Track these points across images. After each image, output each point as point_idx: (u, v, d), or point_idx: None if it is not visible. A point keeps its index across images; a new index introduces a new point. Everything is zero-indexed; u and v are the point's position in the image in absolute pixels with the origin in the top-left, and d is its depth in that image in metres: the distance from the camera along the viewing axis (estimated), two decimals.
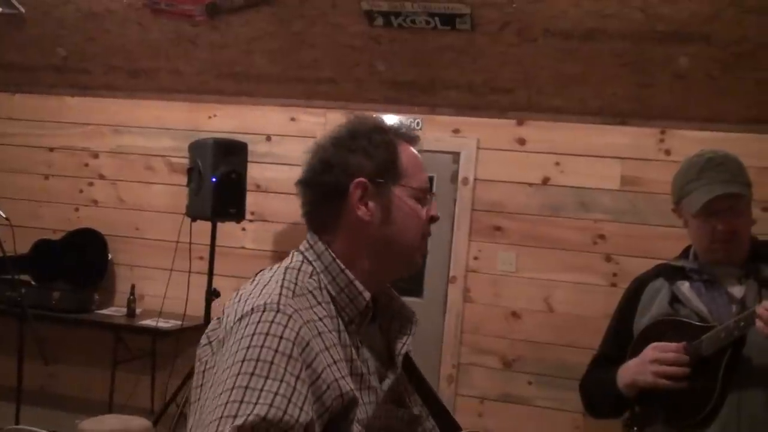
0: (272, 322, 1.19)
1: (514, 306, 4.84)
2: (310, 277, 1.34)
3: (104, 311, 5.22)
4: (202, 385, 1.25)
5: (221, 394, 1.13)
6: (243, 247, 5.25)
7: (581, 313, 4.66)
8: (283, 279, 1.30)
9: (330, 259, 1.36)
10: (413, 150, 1.46)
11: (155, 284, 5.18)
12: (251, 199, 4.83)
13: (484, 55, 4.45)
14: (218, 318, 1.33)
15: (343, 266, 1.35)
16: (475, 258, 4.91)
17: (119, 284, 5.52)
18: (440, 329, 4.95)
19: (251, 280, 1.37)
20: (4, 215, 4.10)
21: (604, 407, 2.24)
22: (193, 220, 4.58)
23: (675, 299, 2.08)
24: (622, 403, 2.13)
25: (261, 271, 1.42)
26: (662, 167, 4.57)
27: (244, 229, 5.14)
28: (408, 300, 5.08)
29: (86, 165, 5.67)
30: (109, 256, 5.47)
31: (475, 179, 4.91)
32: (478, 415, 4.85)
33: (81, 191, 5.67)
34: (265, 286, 1.29)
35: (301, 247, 1.41)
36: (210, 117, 5.41)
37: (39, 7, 4.88)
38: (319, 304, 1.30)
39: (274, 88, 5.15)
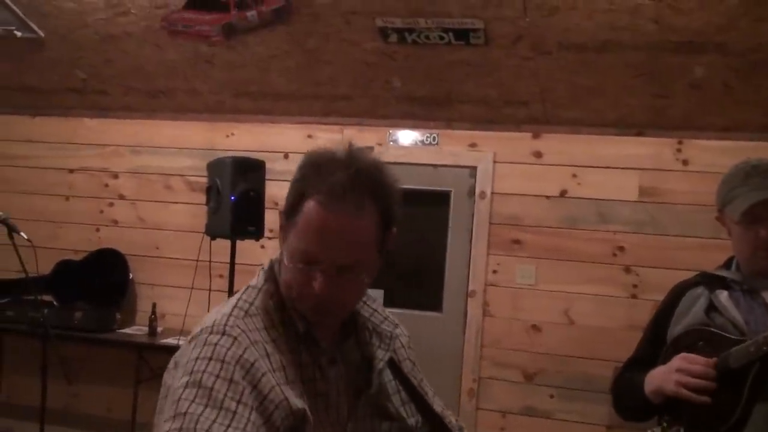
0: (216, 344, 1.19)
1: (534, 319, 4.83)
2: (270, 298, 1.33)
3: (126, 330, 5.26)
4: (160, 411, 1.25)
5: (165, 422, 1.14)
6: (263, 265, 5.26)
7: (602, 325, 4.64)
8: (238, 299, 1.31)
9: (279, 282, 1.36)
10: (316, 213, 1.26)
11: (176, 303, 5.20)
12: (270, 217, 4.85)
13: (499, 69, 4.46)
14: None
15: (286, 293, 1.33)
16: (494, 271, 4.90)
17: (140, 303, 5.56)
18: (460, 343, 4.94)
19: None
20: (26, 236, 4.14)
21: (632, 410, 2.23)
22: (213, 238, 4.60)
23: (712, 308, 2.05)
24: (648, 408, 2.12)
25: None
26: (680, 177, 4.56)
27: (263, 246, 5.15)
28: (427, 315, 5.05)
29: (106, 186, 5.73)
30: (130, 275, 5.51)
31: (493, 193, 4.92)
32: (500, 429, 4.83)
33: (101, 212, 5.73)
34: (222, 307, 1.30)
35: (265, 264, 1.42)
36: (228, 136, 5.45)
37: (57, 31, 4.94)
38: (274, 326, 1.29)
39: (291, 106, 5.19)
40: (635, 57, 4.16)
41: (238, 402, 1.14)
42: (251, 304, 1.30)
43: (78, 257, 5.60)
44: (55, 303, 5.37)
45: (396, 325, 1.49)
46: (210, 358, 1.17)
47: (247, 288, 1.35)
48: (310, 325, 1.32)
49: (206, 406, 1.12)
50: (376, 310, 1.46)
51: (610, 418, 4.49)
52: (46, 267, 5.31)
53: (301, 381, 1.27)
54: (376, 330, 1.44)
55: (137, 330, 5.29)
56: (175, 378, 1.21)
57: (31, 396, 4.34)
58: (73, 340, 5.00)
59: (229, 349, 1.19)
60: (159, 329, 5.19)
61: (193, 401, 1.13)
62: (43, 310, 4.37)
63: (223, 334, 1.21)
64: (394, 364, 1.46)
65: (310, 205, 1.27)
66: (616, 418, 2.30)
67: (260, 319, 1.28)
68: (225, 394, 1.14)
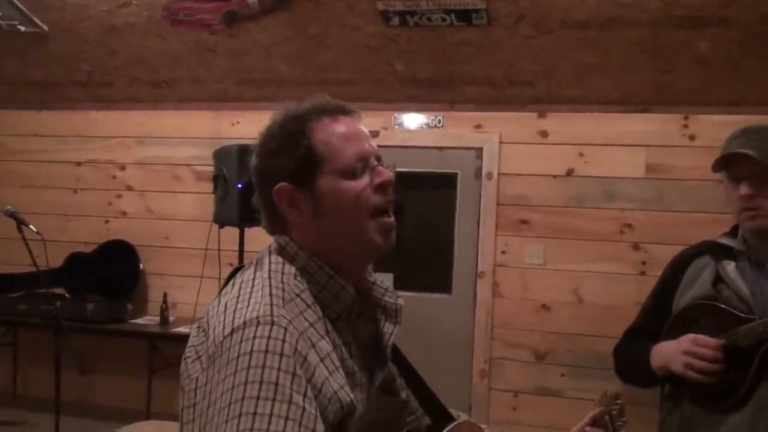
0: (269, 337, 1.11)
1: (543, 299, 4.84)
2: (295, 278, 1.26)
3: (138, 320, 5.31)
4: (195, 404, 1.17)
5: (228, 421, 1.06)
6: (265, 251, 5.27)
7: (611, 303, 4.65)
8: (271, 285, 1.22)
9: (305, 257, 1.29)
10: (335, 125, 1.30)
11: (187, 292, 5.24)
12: None
13: (502, 48, 4.45)
14: (199, 326, 1.26)
15: (320, 263, 1.28)
16: (503, 252, 4.91)
17: (151, 293, 5.59)
18: (470, 325, 4.96)
19: (231, 283, 1.30)
20: (35, 229, 4.17)
21: (636, 379, 2.24)
22: (221, 226, 4.61)
23: (719, 279, 2.06)
24: (653, 379, 2.13)
25: (236, 269, 1.38)
26: (687, 153, 4.55)
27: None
28: (437, 297, 5.08)
29: (114, 177, 5.75)
30: (140, 266, 5.54)
31: (499, 174, 4.91)
32: (512, 409, 4.85)
33: (110, 203, 5.75)
34: (251, 292, 1.21)
35: (272, 248, 1.34)
36: (233, 124, 5.46)
37: (60, 24, 4.95)
38: (308, 307, 1.22)
39: (295, 92, 5.13)
40: (639, 33, 4.15)
41: (304, 396, 1.09)
42: (283, 289, 1.22)
43: (88, 249, 5.63)
44: (67, 295, 5.42)
45: (398, 296, 1.43)
46: (266, 351, 1.10)
47: (270, 272, 1.26)
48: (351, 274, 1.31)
49: (274, 401, 1.06)
50: (375, 283, 1.41)
51: (622, 395, 4.50)
52: (56, 260, 5.35)
53: (339, 364, 1.22)
54: (379, 304, 1.39)
55: (149, 320, 5.33)
56: (216, 372, 1.13)
57: (46, 388, 4.38)
58: (85, 332, 5.04)
59: (283, 341, 1.11)
60: (171, 318, 5.22)
61: (258, 398, 1.06)
62: (55, 302, 4.40)
63: (273, 324, 1.13)
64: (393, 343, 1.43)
65: (325, 128, 1.30)
66: (629, 394, 2.31)
67: (295, 305, 1.21)
68: (291, 388, 1.08)
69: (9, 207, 4.23)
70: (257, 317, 1.14)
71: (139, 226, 5.64)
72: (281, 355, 1.10)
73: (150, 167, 5.66)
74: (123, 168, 5.73)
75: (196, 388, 1.17)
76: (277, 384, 1.07)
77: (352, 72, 4.90)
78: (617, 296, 4.64)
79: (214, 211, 4.63)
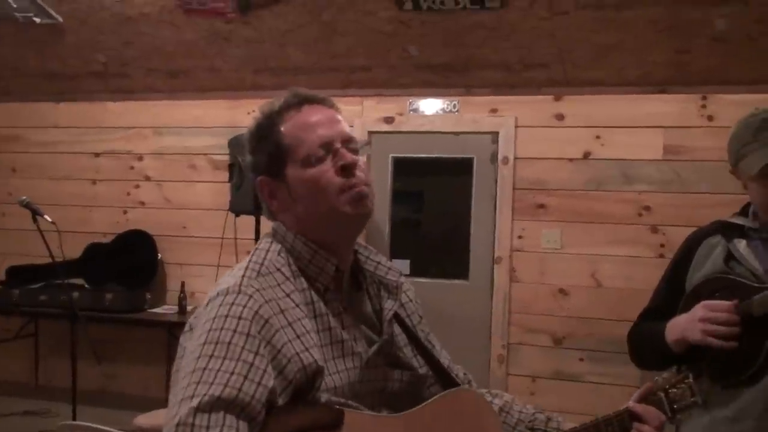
0: (233, 303, 1.24)
1: (561, 283, 4.81)
2: (278, 254, 1.38)
3: (157, 310, 5.35)
4: (179, 370, 1.29)
5: (184, 377, 1.19)
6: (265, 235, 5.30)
7: (630, 287, 4.61)
8: (249, 261, 1.36)
9: (292, 237, 1.40)
10: (300, 115, 1.40)
11: (204, 281, 5.26)
12: None
13: (517, 31, 4.41)
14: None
15: (305, 240, 1.39)
16: (520, 237, 4.88)
17: (170, 282, 5.62)
18: (488, 310, 4.94)
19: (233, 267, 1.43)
20: (50, 219, 4.20)
21: (651, 360, 2.21)
22: (237, 215, 4.63)
23: (731, 257, 2.03)
24: (668, 357, 2.11)
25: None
26: (706, 134, 4.50)
27: None
28: (454, 283, 5.05)
29: (131, 168, 5.78)
30: (159, 255, 5.57)
31: (515, 158, 4.88)
32: (531, 394, 4.83)
33: (128, 194, 5.78)
34: (235, 271, 1.35)
35: (268, 233, 1.47)
36: (249, 113, 5.45)
37: (76, 15, 4.97)
38: (287, 279, 1.34)
39: (310, 80, 5.17)
40: (655, 12, 4.10)
41: (255, 353, 1.19)
42: (262, 264, 1.34)
43: (107, 240, 5.67)
44: (86, 286, 5.46)
45: (400, 274, 1.52)
46: (227, 316, 1.22)
47: (254, 251, 1.39)
48: (337, 250, 1.40)
49: (224, 359, 1.18)
50: (379, 263, 1.50)
51: (641, 380, 4.47)
52: (76, 251, 5.39)
53: (318, 331, 1.32)
54: (382, 282, 1.49)
55: (167, 309, 5.37)
56: (192, 339, 1.26)
57: (67, 378, 4.41)
58: (105, 322, 5.09)
59: (244, 306, 1.23)
60: (189, 307, 5.25)
61: (211, 356, 1.18)
62: (70, 292, 4.43)
63: (239, 293, 1.25)
64: (402, 319, 1.50)
65: (290, 120, 1.39)
66: (648, 379, 2.28)
67: (273, 278, 1.32)
68: (242, 347, 1.19)
69: (25, 197, 4.27)
70: (227, 288, 1.27)
71: (157, 216, 5.67)
72: (239, 318, 1.22)
73: (167, 157, 5.69)
74: (140, 158, 5.76)
75: (182, 357, 1.28)
76: (229, 344, 1.19)
77: (366, 58, 4.88)
78: (636, 279, 4.59)
79: (230, 199, 4.65)
